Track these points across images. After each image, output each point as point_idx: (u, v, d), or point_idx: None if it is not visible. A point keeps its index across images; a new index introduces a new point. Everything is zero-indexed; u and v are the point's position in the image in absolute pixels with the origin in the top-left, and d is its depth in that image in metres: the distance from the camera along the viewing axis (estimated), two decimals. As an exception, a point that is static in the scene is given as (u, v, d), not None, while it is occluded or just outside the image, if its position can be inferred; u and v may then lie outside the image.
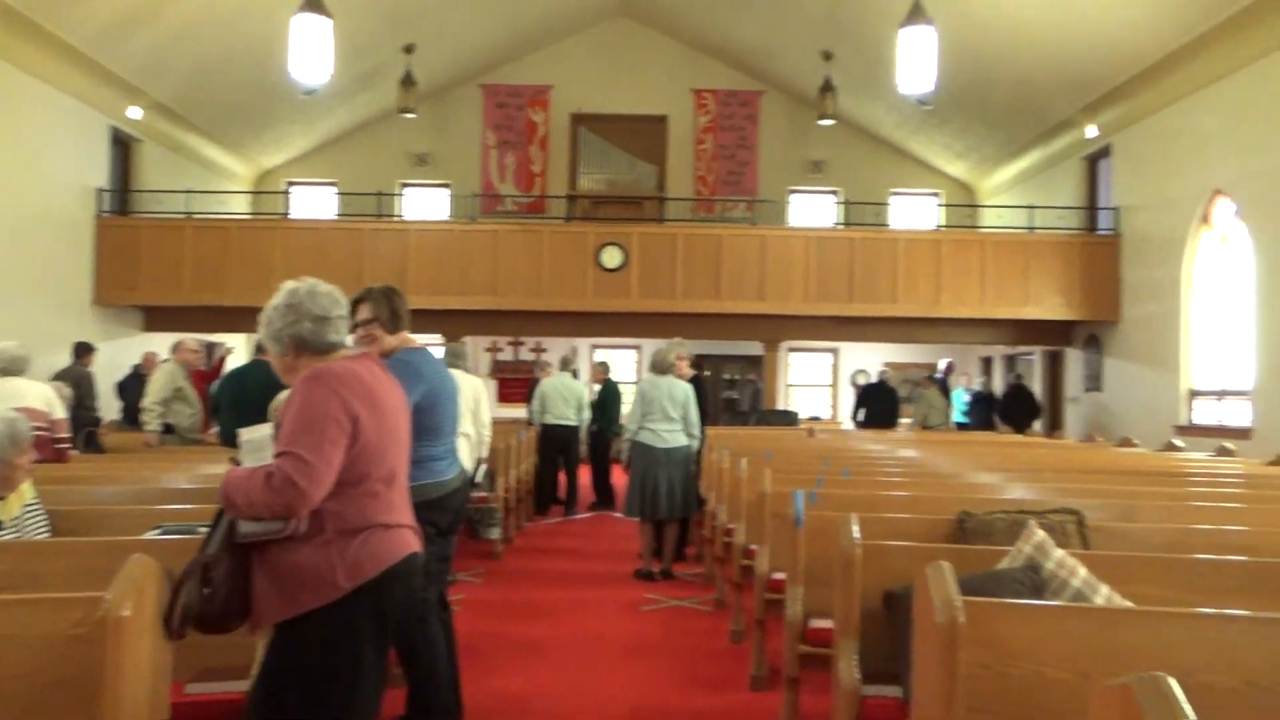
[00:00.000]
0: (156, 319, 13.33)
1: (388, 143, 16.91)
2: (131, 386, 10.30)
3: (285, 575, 2.43)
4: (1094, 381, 13.33)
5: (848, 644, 3.05)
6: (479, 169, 16.50)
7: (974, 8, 11.45)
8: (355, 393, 2.51)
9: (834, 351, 18.25)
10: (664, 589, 6.85)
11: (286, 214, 14.40)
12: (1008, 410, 13.29)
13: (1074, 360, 14.05)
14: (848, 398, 17.36)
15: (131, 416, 9.65)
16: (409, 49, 14.45)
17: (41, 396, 5.99)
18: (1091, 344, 13.40)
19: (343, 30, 10.52)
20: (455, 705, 3.75)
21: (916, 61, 9.56)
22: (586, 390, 10.91)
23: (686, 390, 7.25)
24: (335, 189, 16.47)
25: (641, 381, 7.46)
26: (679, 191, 15.76)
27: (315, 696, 2.47)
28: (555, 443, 10.32)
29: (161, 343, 10.66)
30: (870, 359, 17.26)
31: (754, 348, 14.89)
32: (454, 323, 12.95)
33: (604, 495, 10.92)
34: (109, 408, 10.79)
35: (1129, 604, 2.81)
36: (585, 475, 11.10)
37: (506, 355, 17.73)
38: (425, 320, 10.44)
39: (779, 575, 4.50)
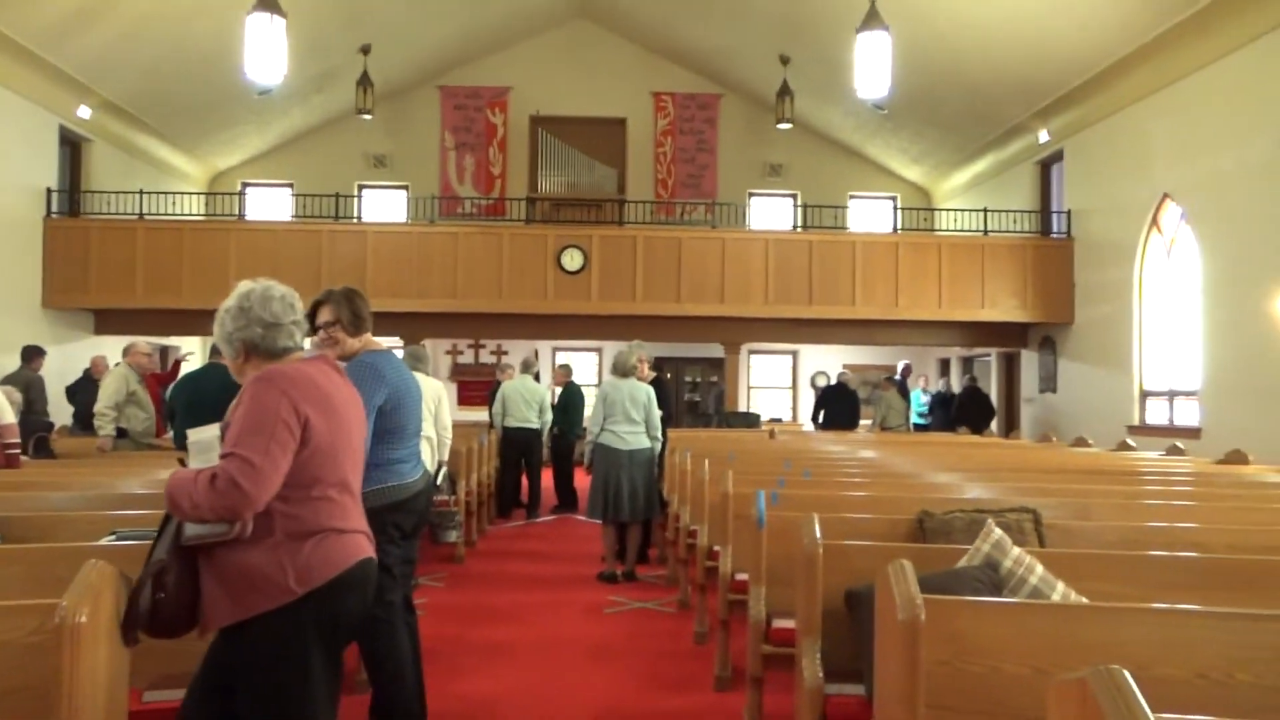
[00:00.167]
0: (108, 322, 13.09)
1: (345, 144, 16.75)
2: (82, 391, 10.10)
3: (234, 578, 2.39)
4: (1049, 382, 13.55)
5: (810, 643, 3.07)
6: (438, 171, 16.40)
7: (929, 14, 11.60)
8: (306, 394, 2.48)
9: (794, 354, 18.39)
10: (627, 591, 6.85)
11: (242, 216, 14.20)
12: (962, 412, 13.47)
13: (1029, 362, 14.28)
14: (808, 399, 17.49)
15: (83, 421, 9.46)
16: (365, 49, 14.33)
17: (-10, 401, 5.86)
18: (1046, 345, 13.62)
19: (298, 30, 10.42)
20: (420, 710, 3.72)
21: (873, 66, 9.68)
22: (548, 393, 10.88)
23: (648, 392, 7.27)
24: (291, 190, 16.27)
25: (603, 384, 7.46)
26: (639, 194, 15.80)
27: (264, 702, 2.44)
28: (517, 446, 10.28)
29: (113, 346, 10.47)
30: (830, 361, 17.40)
31: (715, 350, 14.95)
32: (414, 325, 12.86)
33: (566, 498, 10.89)
34: (59, 412, 10.57)
35: (1085, 600, 2.86)
36: (547, 478, 11.07)
37: (467, 358, 17.64)
38: (385, 323, 10.36)
39: (742, 576, 4.53)
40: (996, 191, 15.15)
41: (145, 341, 8.16)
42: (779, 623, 3.75)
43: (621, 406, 7.14)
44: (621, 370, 7.30)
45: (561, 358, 15.97)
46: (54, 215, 12.42)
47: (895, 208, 16.56)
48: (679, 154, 16.71)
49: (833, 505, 4.30)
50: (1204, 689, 2.23)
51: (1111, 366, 12.01)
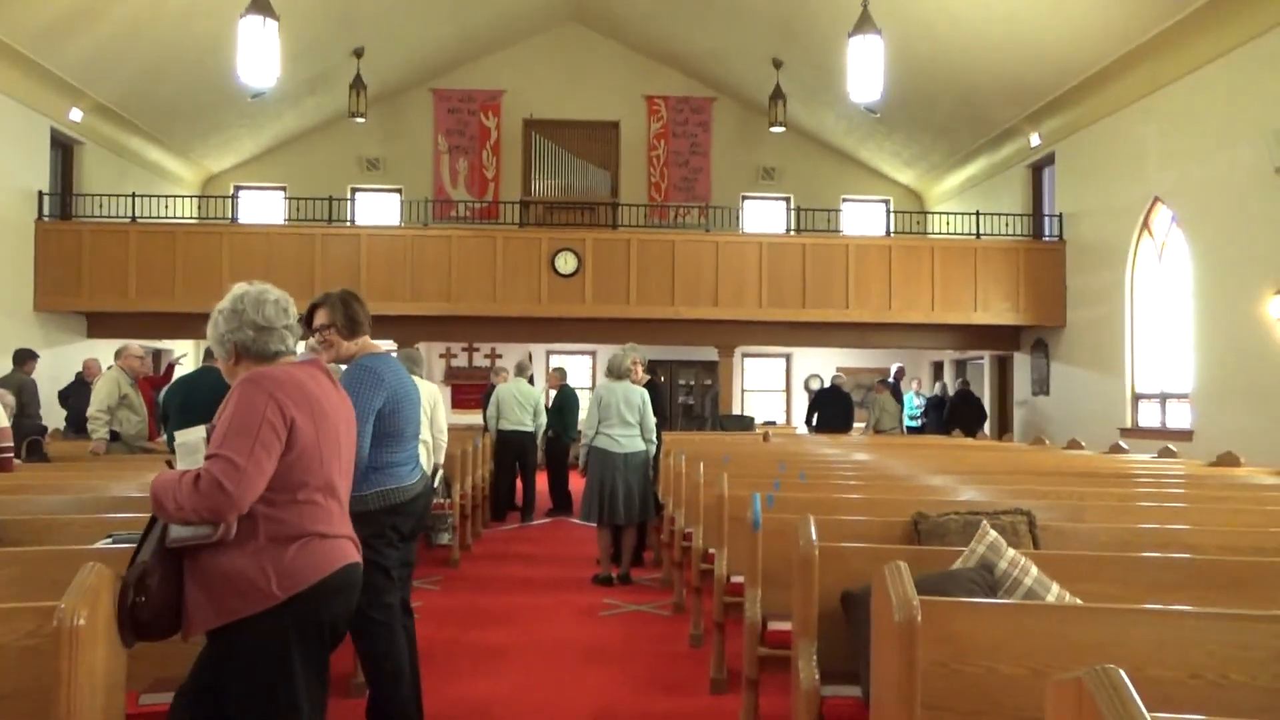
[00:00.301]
0: (100, 325, 13.06)
1: (338, 147, 16.74)
2: (75, 394, 10.07)
3: (216, 582, 2.39)
4: (1041, 385, 13.59)
5: (806, 645, 3.08)
6: (431, 174, 16.41)
7: (921, 18, 11.65)
8: (292, 397, 2.47)
9: (787, 357, 18.41)
10: (622, 594, 6.85)
11: (234, 219, 14.18)
12: (955, 415, 13.50)
13: (1022, 364, 14.32)
14: (801, 402, 17.51)
15: (76, 424, 9.43)
16: (358, 52, 14.33)
17: (-17, 404, 5.84)
18: (1039, 348, 13.67)
19: (290, 33, 10.42)
20: (417, 712, 3.72)
21: (865, 70, 9.70)
22: (542, 396, 10.88)
23: (643, 395, 7.27)
24: (284, 194, 16.25)
25: (598, 387, 7.47)
26: (632, 197, 15.81)
27: (249, 706, 2.44)
28: (511, 449, 10.27)
29: (106, 349, 10.44)
30: (823, 364, 17.43)
31: (709, 353, 14.97)
32: (407, 328, 12.85)
33: (561, 501, 10.89)
34: (52, 416, 10.54)
35: (1079, 601, 2.88)
36: (542, 481, 11.06)
37: (461, 361, 17.63)
38: (378, 326, 10.33)
39: (737, 578, 4.53)
40: (989, 195, 15.20)
41: (138, 345, 8.15)
42: (774, 625, 3.75)
43: (616, 409, 7.15)
44: (616, 373, 7.30)
45: (556, 361, 15.99)
46: (46, 218, 12.39)
47: (888, 211, 16.62)
48: (672, 157, 16.74)
49: (828, 508, 4.31)
50: (1198, 689, 2.25)
51: (1104, 369, 12.06)
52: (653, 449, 7.41)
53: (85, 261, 12.47)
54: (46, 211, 12.40)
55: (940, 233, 14.13)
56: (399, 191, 16.61)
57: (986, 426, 14.28)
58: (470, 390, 16.82)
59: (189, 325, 12.29)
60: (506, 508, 10.56)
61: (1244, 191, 9.47)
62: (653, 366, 11.07)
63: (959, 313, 13.33)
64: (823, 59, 13.45)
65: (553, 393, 11.30)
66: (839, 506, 4.41)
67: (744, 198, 17.36)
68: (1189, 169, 10.35)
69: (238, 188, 16.90)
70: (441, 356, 17.55)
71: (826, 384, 14.28)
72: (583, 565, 7.78)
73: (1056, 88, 12.25)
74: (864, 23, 9.68)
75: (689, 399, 18.29)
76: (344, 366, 3.83)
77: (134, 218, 12.86)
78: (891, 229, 14.68)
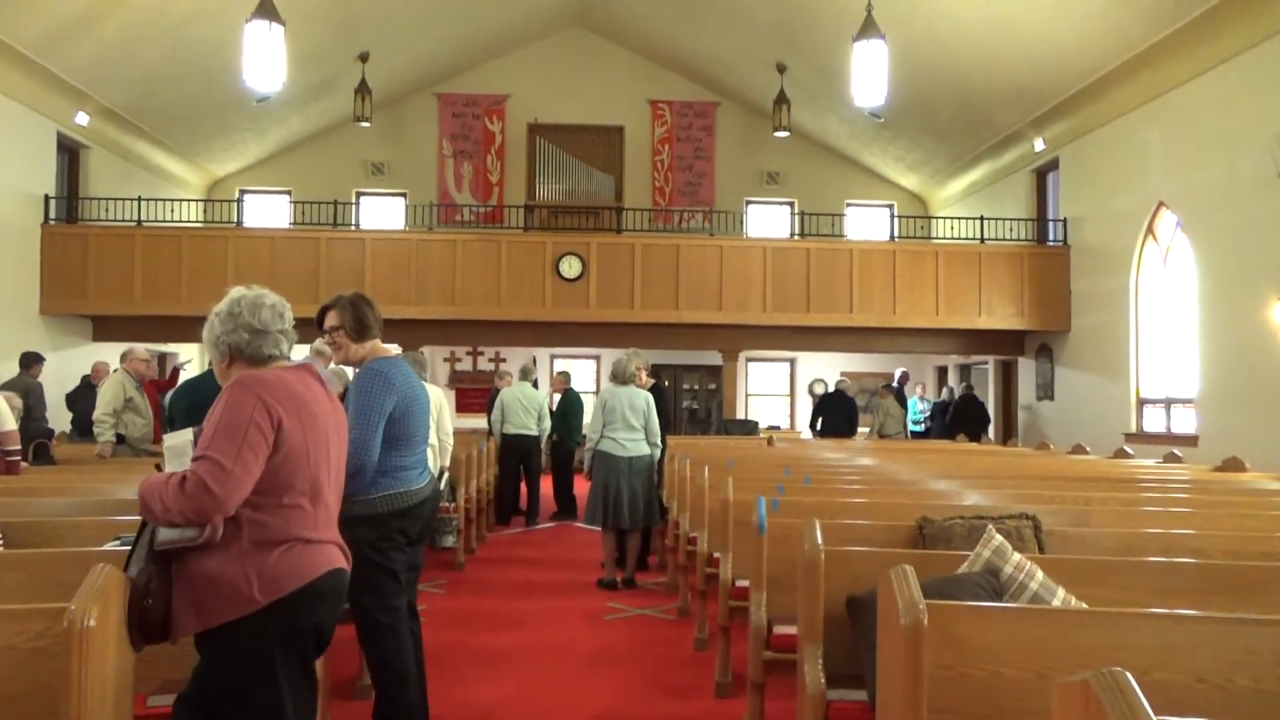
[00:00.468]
0: (106, 329, 13.09)
1: (343, 151, 16.78)
2: (82, 397, 10.09)
3: (200, 585, 2.39)
4: (1046, 390, 13.58)
5: (812, 649, 3.08)
6: (435, 178, 16.43)
7: (925, 23, 11.66)
8: (280, 399, 2.48)
9: (791, 361, 18.40)
10: (627, 598, 6.86)
11: (239, 223, 14.21)
12: (958, 419, 13.48)
13: (1026, 369, 14.31)
14: (805, 407, 17.51)
15: (83, 427, 9.46)
16: (363, 57, 14.37)
17: (-9, 407, 5.86)
18: (1043, 353, 13.66)
19: (296, 37, 10.45)
20: (423, 716, 3.73)
21: (869, 75, 9.71)
22: (547, 400, 10.89)
23: (647, 399, 7.29)
24: (290, 198, 16.30)
25: (602, 391, 7.48)
26: (636, 202, 15.83)
27: (236, 710, 2.45)
28: (516, 453, 10.29)
29: (111, 353, 10.46)
30: (827, 368, 17.43)
31: (714, 357, 14.97)
32: (412, 332, 12.85)
33: (565, 505, 10.89)
34: (58, 419, 10.57)
35: (1084, 606, 2.88)
36: (546, 485, 11.07)
37: (465, 365, 17.65)
38: (384, 330, 10.35)
39: (742, 582, 4.54)
40: (993, 200, 15.21)
41: (143, 348, 8.17)
42: (780, 629, 3.76)
43: (621, 413, 7.16)
44: (620, 377, 7.32)
45: (560, 365, 15.99)
46: (52, 222, 12.43)
47: (892, 215, 16.59)
48: (676, 162, 16.76)
49: (833, 512, 4.31)
50: (1203, 693, 2.25)
51: (1108, 374, 12.05)
52: (657, 453, 7.41)
53: (91, 265, 12.51)
54: (52, 215, 12.44)
55: (944, 238, 14.13)
56: (404, 196, 16.65)
57: (991, 431, 14.27)
58: (475, 394, 16.84)
59: (194, 329, 12.18)
60: (511, 511, 10.57)
61: (1248, 196, 9.46)
62: (657, 371, 11.09)
63: (963, 317, 13.32)
64: (826, 63, 13.47)
65: (557, 397, 11.32)
66: (843, 511, 4.41)
67: (748, 202, 17.37)
68: (1193, 174, 10.35)
69: (243, 192, 16.93)
70: (446, 360, 17.57)
71: (831, 389, 14.28)
72: (587, 569, 7.78)
73: (1060, 93, 12.25)
74: (868, 27, 9.69)
75: (693, 403, 18.30)
76: (350, 370, 3.85)
77: (139, 221, 12.90)
78: (895, 234, 14.68)
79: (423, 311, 12.94)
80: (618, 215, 15.04)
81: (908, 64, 11.97)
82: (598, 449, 7.20)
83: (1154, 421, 11.36)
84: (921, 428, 14.98)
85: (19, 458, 6.03)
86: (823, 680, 3.00)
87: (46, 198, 12.30)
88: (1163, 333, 11.28)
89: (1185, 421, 10.73)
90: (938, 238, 14.41)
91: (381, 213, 16.82)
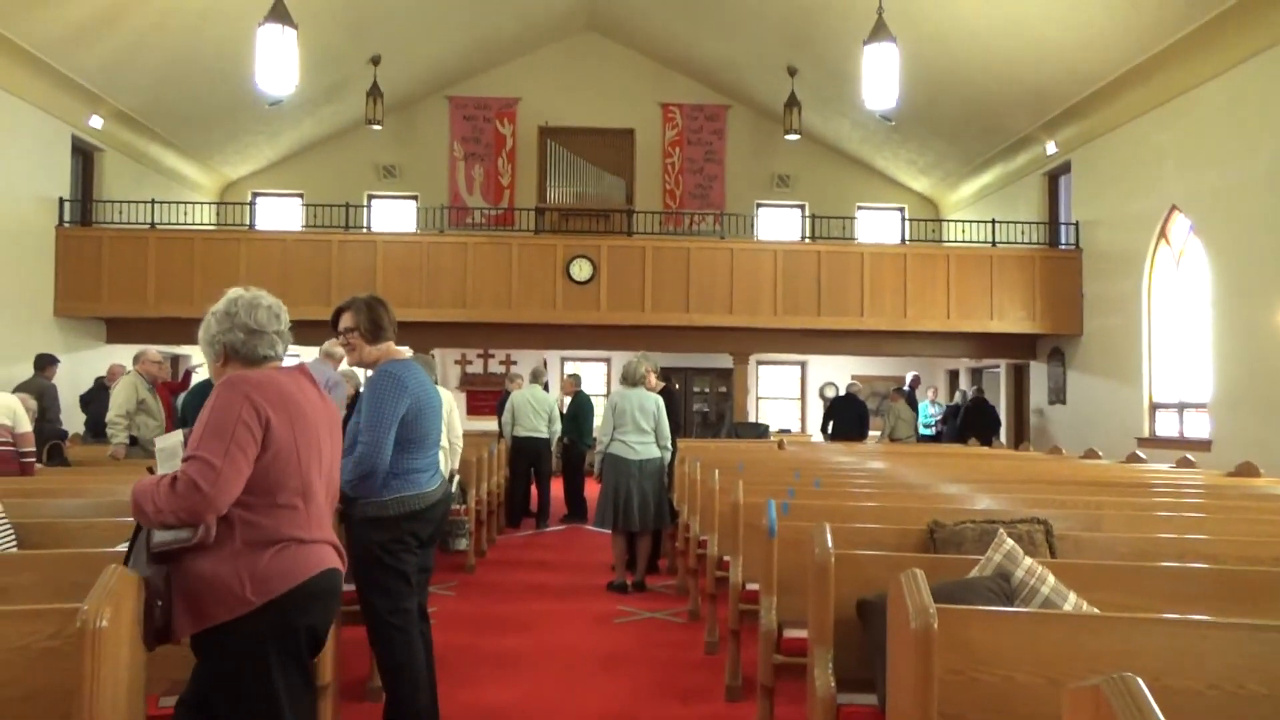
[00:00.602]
0: (119, 331, 13.16)
1: (355, 154, 16.84)
2: (96, 399, 10.15)
3: (194, 587, 2.40)
4: (1058, 394, 13.53)
5: (822, 653, 3.08)
6: (447, 181, 16.48)
7: (936, 26, 11.64)
8: (269, 398, 2.48)
9: (802, 364, 18.38)
10: (637, 601, 6.86)
11: (252, 225, 14.28)
12: (968, 423, 13.43)
13: (1038, 373, 14.26)
14: (816, 410, 17.48)
15: (96, 429, 9.51)
16: (375, 60, 14.42)
17: (6, 409, 5.90)
18: (1055, 357, 13.61)
19: (308, 41, 10.49)
20: (433, 718, 3.73)
21: (880, 78, 9.70)
22: (557, 402, 10.90)
23: (657, 402, 7.28)
24: (302, 200, 16.37)
25: (612, 394, 7.49)
26: (647, 205, 15.84)
27: (232, 711, 2.46)
28: (526, 455, 10.30)
29: (125, 355, 10.52)
30: (838, 371, 17.40)
31: (724, 360, 14.96)
32: (423, 335, 12.87)
33: (576, 507, 10.90)
34: (72, 420, 10.62)
35: (1096, 611, 2.87)
36: (557, 488, 11.08)
37: (476, 368, 17.69)
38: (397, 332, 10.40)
39: (753, 586, 4.53)
40: (1004, 203, 15.16)
41: (156, 350, 8.21)
42: (790, 632, 3.75)
43: (631, 416, 7.15)
44: (630, 380, 7.32)
45: (570, 367, 16.02)
46: (66, 224, 12.50)
47: (903, 219, 16.60)
48: (687, 165, 16.76)
49: (843, 515, 4.30)
50: (1216, 700, 2.23)
51: (1121, 378, 12.00)
52: (668, 456, 7.41)
53: (105, 267, 12.58)
54: (67, 218, 12.51)
55: (955, 241, 14.10)
56: (415, 198, 16.71)
57: (1003, 435, 14.22)
58: (485, 396, 16.87)
59: (207, 331, 12.35)
60: (522, 514, 10.58)
61: (1262, 199, 9.41)
62: (667, 374, 11.08)
63: (974, 321, 13.28)
64: (838, 67, 13.46)
65: (567, 399, 11.33)
66: (854, 514, 4.41)
67: (759, 205, 17.37)
68: (1207, 177, 10.29)
69: (255, 194, 17.02)
70: (457, 363, 17.61)
71: (841, 392, 14.26)
72: (598, 572, 7.79)
73: (1072, 96, 12.21)
74: (879, 31, 9.68)
75: (704, 406, 18.28)
76: (363, 371, 3.86)
77: (153, 224, 12.97)
78: (906, 237, 14.66)
79: (434, 314, 12.96)
80: (628, 218, 15.06)
81: (919, 67, 11.95)
82: (608, 452, 7.20)
83: (1167, 426, 11.31)
84: (932, 431, 14.94)
85: (34, 459, 6.07)
86: (833, 684, 2.99)
87: (61, 200, 12.38)
88: (1176, 336, 11.22)
89: (1198, 426, 10.67)
90: (949, 241, 14.37)
91: (393, 215, 16.88)
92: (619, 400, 7.24)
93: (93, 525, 3.75)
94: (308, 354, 7.57)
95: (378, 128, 15.11)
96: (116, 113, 12.88)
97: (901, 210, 17.49)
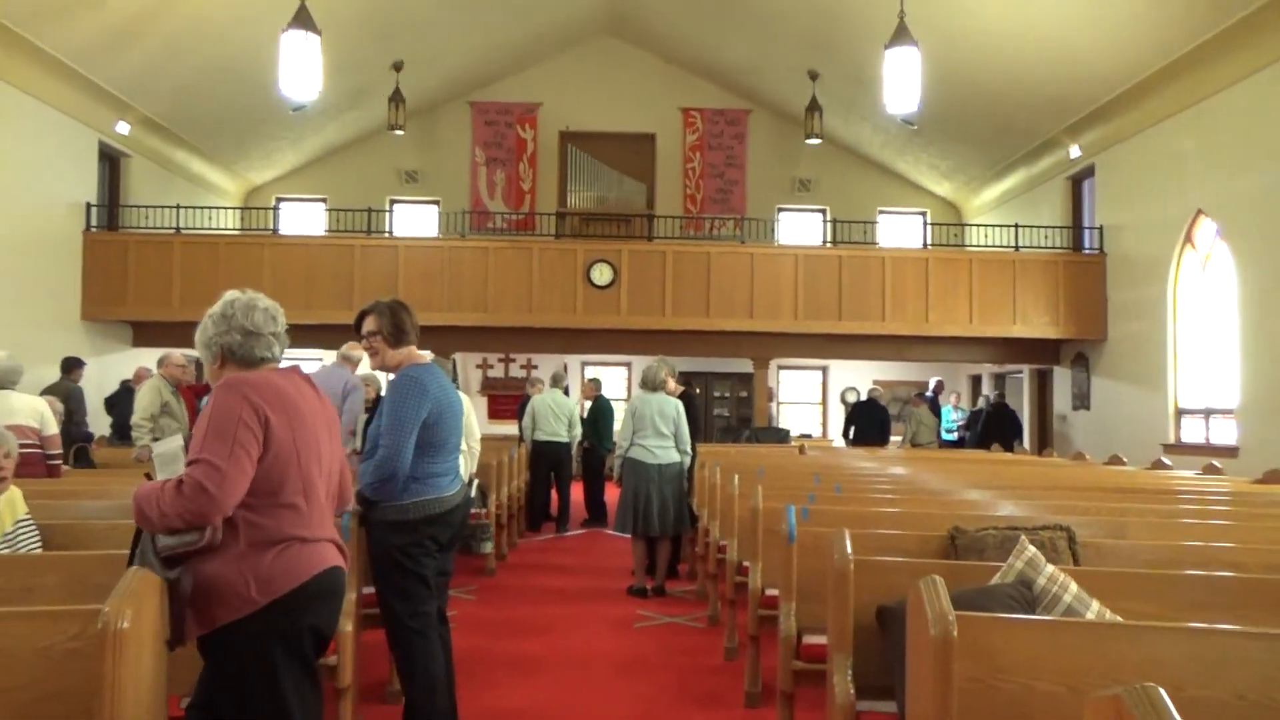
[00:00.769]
0: (145, 334, 13.29)
1: (377, 159, 16.94)
2: (121, 402, 10.25)
3: (200, 589, 2.41)
4: (1082, 400, 13.41)
5: (842, 659, 3.06)
6: (468, 186, 16.54)
7: (958, 30, 11.58)
8: (267, 399, 2.50)
9: (823, 369, 18.32)
10: (657, 606, 6.84)
11: (276, 230, 14.39)
12: (989, 429, 13.31)
13: (1062, 378, 14.14)
14: (837, 415, 17.41)
15: (121, 431, 9.60)
16: (398, 66, 14.51)
17: (34, 411, 5.97)
18: (1079, 362, 13.49)
19: (331, 47, 10.57)
20: (451, 721, 3.74)
21: (901, 82, 9.66)
22: (577, 407, 10.90)
23: (677, 406, 7.27)
24: (325, 205, 16.49)
25: (632, 398, 7.48)
26: (668, 209, 15.85)
27: (237, 712, 2.47)
28: (546, 459, 10.31)
29: (151, 358, 10.62)
30: (860, 377, 17.32)
31: (745, 365, 14.93)
32: (444, 339, 12.94)
33: (596, 512, 10.90)
34: (98, 423, 10.74)
35: (1119, 619, 2.83)
36: (577, 492, 11.08)
37: (497, 372, 17.73)
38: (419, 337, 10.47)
39: (772, 591, 4.51)
40: (1028, 207, 15.05)
41: (180, 353, 8.26)
42: (809, 639, 3.73)
43: (650, 420, 7.15)
44: (650, 384, 7.31)
45: (591, 372, 16.03)
46: (93, 229, 12.64)
47: (925, 223, 16.51)
48: (708, 169, 16.74)
49: (864, 521, 4.28)
50: (1242, 710, 2.20)
51: (1146, 384, 11.87)
52: (687, 460, 7.40)
53: (131, 272, 12.70)
54: (94, 223, 12.65)
55: (978, 245, 14.01)
56: (437, 203, 16.79)
57: (1026, 441, 14.11)
58: (506, 401, 16.90)
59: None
60: (542, 518, 10.59)
61: (1291, 203, 9.30)
62: (688, 379, 11.07)
63: (997, 326, 13.20)
64: (859, 71, 13.41)
65: (587, 403, 11.33)
66: (875, 520, 4.38)
67: (779, 210, 17.34)
68: (1233, 181, 10.18)
69: (279, 199, 17.15)
70: (478, 367, 17.66)
71: (863, 397, 14.19)
72: (618, 576, 7.78)
73: (1096, 99, 12.11)
74: (900, 34, 9.65)
75: (724, 411, 18.25)
76: (384, 375, 3.88)
77: (178, 229, 13.09)
78: (928, 241, 14.58)
79: (455, 318, 13.01)
80: (649, 223, 15.06)
81: (941, 71, 11.89)
82: (627, 456, 7.20)
83: (1193, 432, 11.18)
84: (954, 437, 14.83)
85: (60, 461, 6.13)
86: (852, 691, 2.98)
87: (88, 205, 12.52)
88: (1202, 341, 11.10)
89: (1225, 432, 10.55)
90: (971, 246, 14.28)
91: (415, 220, 16.97)
92: (639, 405, 7.24)
93: (116, 527, 3.78)
94: (330, 357, 7.62)
95: (400, 133, 15.20)
96: (143, 119, 13.02)
97: (923, 215, 17.41)
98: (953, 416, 15.19)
